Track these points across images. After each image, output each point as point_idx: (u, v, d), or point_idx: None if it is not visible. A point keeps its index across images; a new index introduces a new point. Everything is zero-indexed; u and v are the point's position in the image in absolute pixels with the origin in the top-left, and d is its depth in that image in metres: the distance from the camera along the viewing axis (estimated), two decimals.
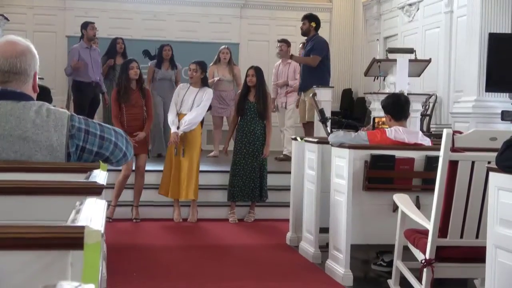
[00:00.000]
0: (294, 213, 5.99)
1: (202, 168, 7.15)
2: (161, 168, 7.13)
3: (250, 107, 6.92)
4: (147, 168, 6.97)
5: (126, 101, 6.76)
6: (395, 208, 4.50)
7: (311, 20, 8.47)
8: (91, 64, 8.89)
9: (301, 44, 9.07)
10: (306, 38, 8.65)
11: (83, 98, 8.83)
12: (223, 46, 9.33)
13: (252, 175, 6.89)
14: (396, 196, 4.44)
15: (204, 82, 7.03)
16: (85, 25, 9.08)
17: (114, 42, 9.58)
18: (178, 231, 6.62)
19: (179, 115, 6.92)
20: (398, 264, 4.32)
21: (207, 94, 7.00)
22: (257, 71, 6.95)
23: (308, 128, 8.45)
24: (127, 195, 6.95)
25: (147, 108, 6.91)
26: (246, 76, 6.99)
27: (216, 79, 9.05)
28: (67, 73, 9.18)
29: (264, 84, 7.02)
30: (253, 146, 6.90)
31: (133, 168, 6.82)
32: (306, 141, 5.74)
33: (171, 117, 6.98)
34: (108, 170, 2.52)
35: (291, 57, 8.66)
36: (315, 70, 8.28)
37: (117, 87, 6.89)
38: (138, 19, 11.74)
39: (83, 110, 8.42)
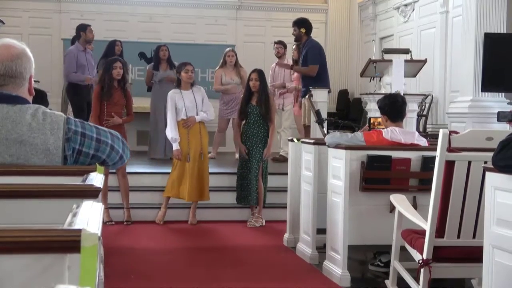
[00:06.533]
0: (291, 214, 5.99)
1: None
2: (156, 170, 7.06)
3: (253, 110, 6.90)
4: (142, 170, 6.91)
5: (108, 99, 6.74)
6: (392, 208, 4.50)
7: (300, 26, 8.15)
8: (87, 67, 8.86)
9: (295, 46, 8.99)
10: (299, 43, 8.40)
11: (81, 100, 8.79)
12: (228, 49, 9.18)
13: (256, 177, 6.88)
14: (393, 196, 4.44)
15: (192, 82, 7.04)
16: (83, 28, 8.93)
17: (112, 44, 9.37)
18: (176, 233, 6.60)
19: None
20: (396, 265, 4.32)
21: (203, 93, 7.03)
22: (260, 75, 6.93)
23: (307, 130, 8.35)
24: (118, 198, 6.90)
25: (128, 108, 6.92)
26: (249, 80, 6.95)
27: (223, 88, 8.95)
28: (71, 79, 8.85)
29: (266, 87, 7.01)
30: (256, 148, 6.89)
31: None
32: (302, 142, 5.74)
33: (172, 134, 6.87)
34: None
35: (292, 67, 8.41)
36: (317, 77, 8.00)
37: (101, 85, 6.85)
38: (134, 21, 11.74)
39: (82, 112, 8.39)
